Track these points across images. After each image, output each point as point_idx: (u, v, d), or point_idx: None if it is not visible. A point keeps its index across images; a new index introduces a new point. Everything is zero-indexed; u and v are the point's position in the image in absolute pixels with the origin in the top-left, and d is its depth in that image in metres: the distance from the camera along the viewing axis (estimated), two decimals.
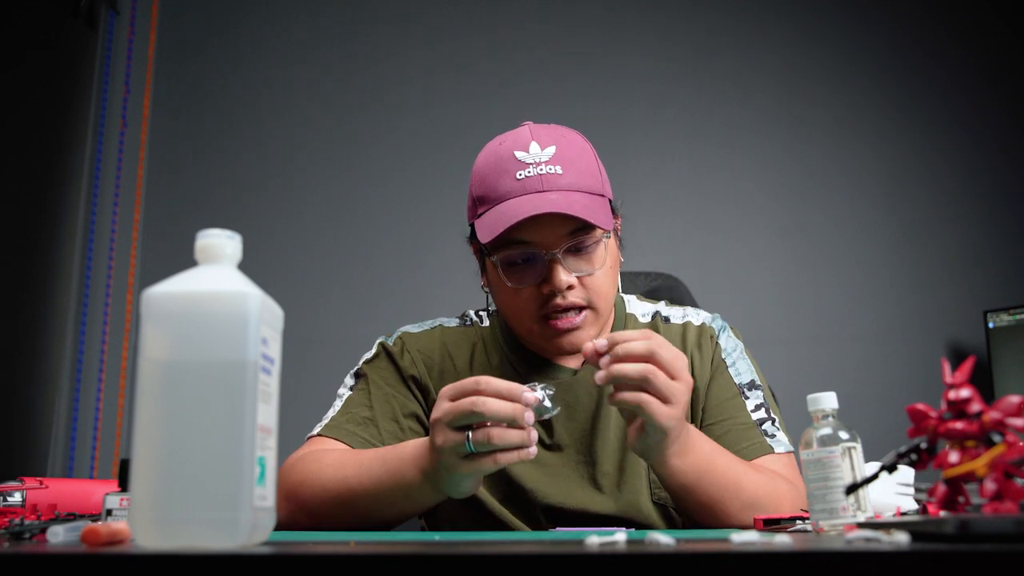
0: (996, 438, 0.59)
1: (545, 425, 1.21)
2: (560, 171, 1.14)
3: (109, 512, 0.83)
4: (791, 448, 1.20)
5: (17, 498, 1.01)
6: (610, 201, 1.21)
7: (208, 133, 2.88)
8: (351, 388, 1.25)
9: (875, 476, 0.67)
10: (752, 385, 1.25)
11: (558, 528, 1.15)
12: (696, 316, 1.31)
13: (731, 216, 2.83)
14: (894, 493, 0.94)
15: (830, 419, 0.81)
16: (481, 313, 1.34)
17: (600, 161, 1.23)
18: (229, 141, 2.87)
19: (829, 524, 0.77)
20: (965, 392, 0.62)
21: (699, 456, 1.05)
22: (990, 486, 0.58)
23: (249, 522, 0.59)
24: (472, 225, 1.21)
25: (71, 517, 0.93)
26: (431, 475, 0.99)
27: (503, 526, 1.19)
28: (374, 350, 1.29)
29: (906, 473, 0.95)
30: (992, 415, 0.60)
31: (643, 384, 0.94)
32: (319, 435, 1.20)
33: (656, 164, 2.86)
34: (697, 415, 1.23)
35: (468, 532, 1.15)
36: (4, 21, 2.22)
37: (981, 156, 2.85)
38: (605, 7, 2.97)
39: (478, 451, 0.92)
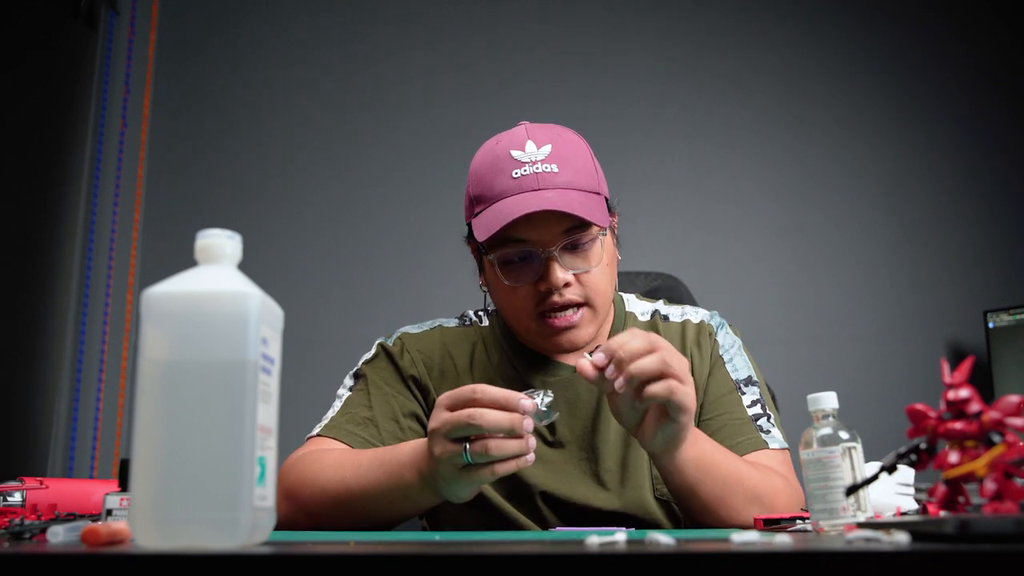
0: (996, 438, 0.59)
1: None
2: (556, 169, 1.15)
3: (109, 512, 0.83)
4: (786, 445, 1.20)
5: (17, 498, 1.00)
6: (607, 199, 1.21)
7: (208, 133, 2.88)
8: (350, 389, 1.25)
9: (875, 476, 0.67)
10: (749, 381, 1.25)
11: (559, 528, 1.15)
12: (695, 314, 1.32)
13: (731, 216, 2.83)
14: (894, 493, 0.94)
15: (830, 419, 0.81)
16: (480, 313, 1.35)
17: (596, 160, 1.23)
18: (229, 141, 2.87)
19: (829, 524, 0.77)
20: (964, 392, 0.62)
21: (703, 449, 1.06)
22: (990, 486, 0.58)
23: (249, 522, 0.59)
24: (469, 224, 1.21)
25: (71, 517, 0.93)
26: (429, 479, 0.98)
27: (507, 523, 1.19)
28: (373, 351, 1.29)
29: (906, 473, 0.95)
30: (992, 415, 0.60)
31: (664, 370, 0.94)
32: (319, 435, 1.20)
33: (656, 164, 2.86)
34: (697, 412, 1.23)
35: (470, 531, 1.15)
36: (4, 21, 2.22)
37: (981, 156, 2.85)
38: (605, 7, 2.97)
39: (476, 462, 0.91)
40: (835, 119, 2.89)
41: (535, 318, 1.17)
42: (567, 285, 1.15)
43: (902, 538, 0.52)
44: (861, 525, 0.65)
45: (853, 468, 0.78)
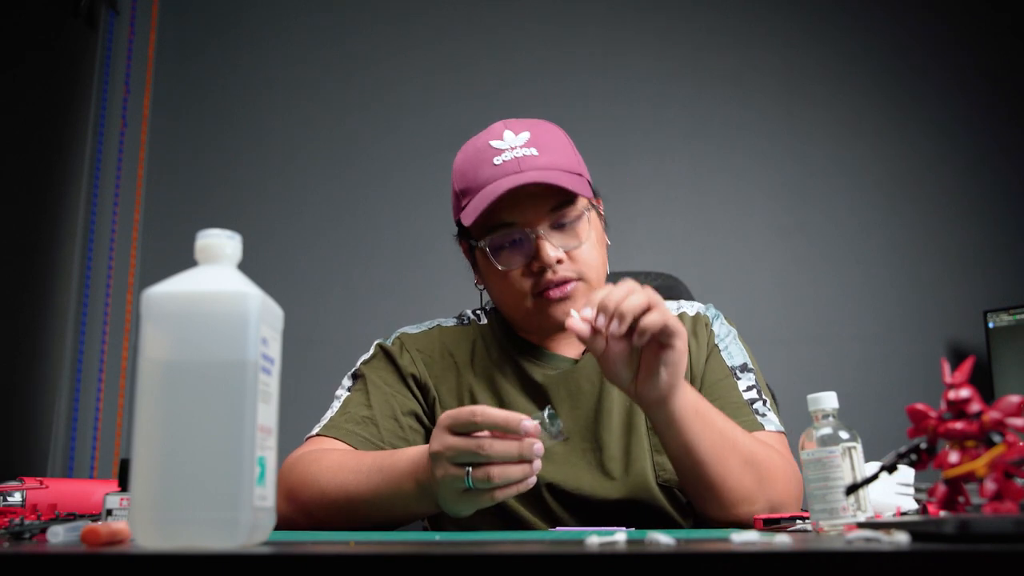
0: (996, 438, 0.59)
1: None
2: (536, 152, 1.17)
3: (109, 512, 0.83)
4: (782, 428, 1.21)
5: (17, 498, 1.01)
6: (589, 183, 1.23)
7: (208, 133, 2.88)
8: (348, 389, 1.26)
9: (875, 476, 0.67)
10: (744, 368, 1.27)
11: (559, 528, 1.15)
12: (690, 307, 1.34)
13: (731, 216, 2.83)
14: (894, 493, 0.95)
15: (830, 419, 0.81)
16: (478, 312, 1.36)
17: (576, 148, 1.26)
18: (229, 141, 2.87)
19: (829, 524, 0.78)
20: (965, 392, 0.62)
21: (700, 399, 1.07)
22: (990, 486, 0.58)
23: (249, 522, 0.59)
24: (459, 222, 1.22)
25: (71, 517, 0.93)
26: (428, 490, 0.98)
27: (511, 516, 1.19)
28: (371, 351, 1.30)
29: (906, 473, 0.95)
30: (992, 415, 0.60)
31: (651, 302, 0.97)
32: (318, 435, 1.20)
33: (656, 164, 2.86)
34: None
35: (472, 529, 1.15)
36: (4, 21, 2.23)
37: (981, 156, 2.85)
38: (605, 7, 2.97)
39: (477, 488, 0.91)
40: (835, 119, 2.89)
41: (532, 298, 1.19)
42: (559, 261, 1.16)
43: (902, 538, 0.52)
44: (861, 525, 0.65)
45: (853, 468, 0.78)
